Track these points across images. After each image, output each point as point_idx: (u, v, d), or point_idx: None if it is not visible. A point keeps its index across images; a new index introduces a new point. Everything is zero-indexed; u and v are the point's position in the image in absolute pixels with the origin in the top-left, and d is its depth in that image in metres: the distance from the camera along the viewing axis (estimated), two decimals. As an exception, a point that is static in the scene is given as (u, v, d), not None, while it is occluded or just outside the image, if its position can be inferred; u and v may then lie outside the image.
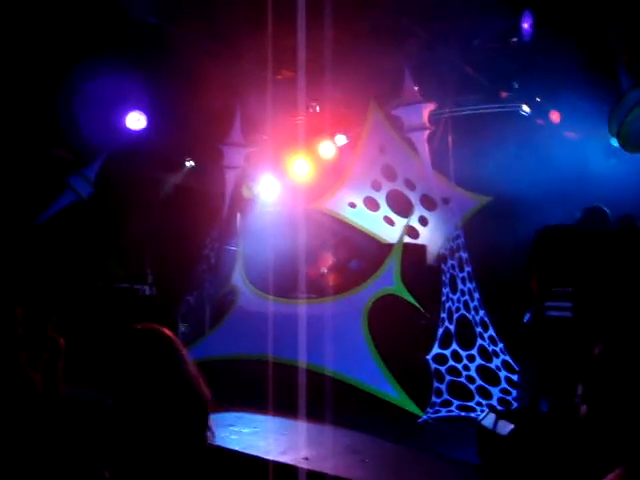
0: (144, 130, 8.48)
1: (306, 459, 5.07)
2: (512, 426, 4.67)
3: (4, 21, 6.71)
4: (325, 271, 9.17)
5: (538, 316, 5.81)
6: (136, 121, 8.40)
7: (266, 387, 6.25)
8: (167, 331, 2.95)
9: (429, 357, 6.61)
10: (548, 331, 5.56)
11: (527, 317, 6.08)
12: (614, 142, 7.06)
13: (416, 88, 7.35)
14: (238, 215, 9.33)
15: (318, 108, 8.99)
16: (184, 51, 7.67)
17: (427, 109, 7.39)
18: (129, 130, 8.42)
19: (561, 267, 5.71)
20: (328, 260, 9.22)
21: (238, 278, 8.11)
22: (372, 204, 8.72)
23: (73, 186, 8.49)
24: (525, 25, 6.99)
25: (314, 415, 5.89)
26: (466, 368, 6.73)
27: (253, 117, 8.61)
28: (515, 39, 7.30)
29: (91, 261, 8.89)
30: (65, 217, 8.52)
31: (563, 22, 6.93)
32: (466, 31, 7.26)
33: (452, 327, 6.83)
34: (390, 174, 8.33)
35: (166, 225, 9.46)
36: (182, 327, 8.70)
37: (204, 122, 8.64)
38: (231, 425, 6.13)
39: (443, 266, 7.06)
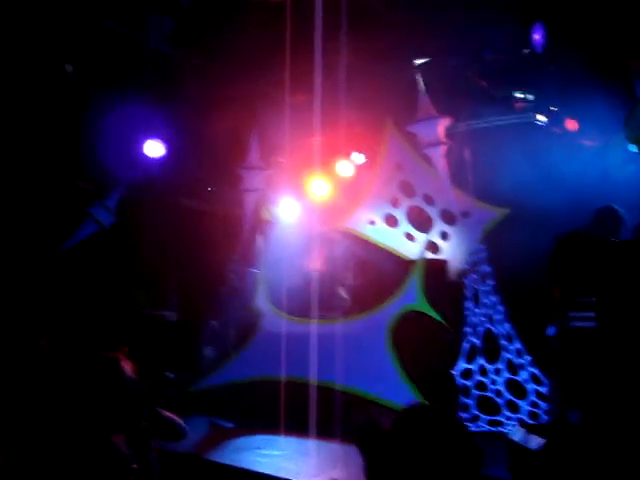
0: (163, 158, 8.55)
1: (335, 480, 5.07)
2: (542, 440, 4.61)
3: (25, 52, 6.83)
4: (344, 295, 9.14)
5: (562, 327, 5.76)
6: (154, 149, 8.47)
7: (292, 409, 6.26)
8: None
9: (455, 372, 6.58)
10: (573, 342, 5.51)
11: (551, 329, 6.02)
12: (633, 148, 7.03)
13: (431, 104, 7.38)
14: (259, 238, 9.37)
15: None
16: (200, 77, 7.77)
17: (442, 124, 7.41)
18: (148, 158, 8.49)
19: (583, 276, 5.67)
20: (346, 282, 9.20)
21: (261, 300, 8.13)
22: (392, 221, 8.71)
23: (95, 216, 8.57)
24: (536, 36, 7.00)
25: (341, 436, 5.89)
26: (493, 382, 6.69)
27: (270, 140, 8.67)
28: (527, 50, 7.31)
29: (114, 289, 8.95)
30: (87, 247, 8.60)
31: (574, 31, 6.94)
32: (477, 44, 7.28)
33: (477, 341, 6.80)
34: (408, 190, 8.33)
35: (188, 250, 9.52)
36: (206, 351, 8.72)
37: (222, 146, 8.71)
38: (258, 448, 6.14)
39: (466, 280, 7.04)
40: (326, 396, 6.16)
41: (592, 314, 5.36)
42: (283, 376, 6.97)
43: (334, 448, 5.90)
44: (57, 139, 7.91)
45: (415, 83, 7.37)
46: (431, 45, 7.49)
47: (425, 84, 7.36)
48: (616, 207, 6.06)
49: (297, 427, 6.22)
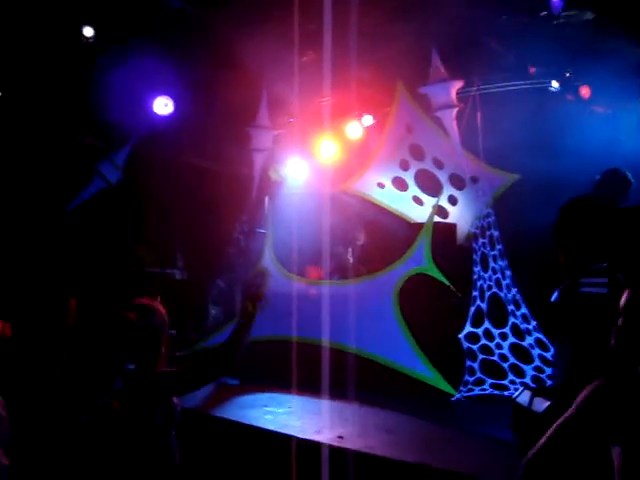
0: (171, 115, 8.50)
1: (341, 438, 5.10)
2: (548, 403, 4.64)
3: (35, 8, 6.75)
4: (350, 257, 9.13)
5: (569, 293, 5.74)
6: (163, 106, 8.42)
7: (296, 368, 6.29)
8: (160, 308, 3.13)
9: (461, 336, 6.58)
10: (583, 307, 5.50)
11: (555, 295, 6.00)
12: (645, 115, 6.96)
13: (443, 66, 7.29)
14: (267, 198, 9.35)
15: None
16: (210, 35, 7.68)
17: (455, 87, 7.32)
18: (157, 115, 8.44)
19: (589, 242, 5.64)
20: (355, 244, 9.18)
21: (268, 260, 8.13)
22: (401, 184, 8.67)
23: (102, 172, 8.55)
24: (554, -2, 6.89)
25: (345, 395, 5.93)
26: (499, 346, 6.71)
27: (280, 99, 8.61)
28: (544, 13, 7.19)
29: (122, 247, 8.96)
30: (95, 204, 8.59)
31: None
32: (494, 6, 7.16)
33: (484, 305, 6.80)
34: (418, 153, 8.27)
35: (195, 209, 9.50)
36: (213, 310, 8.76)
37: (232, 105, 8.64)
38: (265, 405, 6.20)
39: (474, 244, 7.02)
40: (336, 357, 6.18)
41: (603, 280, 5.35)
42: (290, 336, 7.00)
43: (340, 407, 5.95)
44: (65, 94, 7.85)
45: (428, 44, 7.27)
46: (445, 5, 7.36)
47: (438, 45, 7.26)
48: (623, 170, 5.99)
49: (305, 387, 6.27)
